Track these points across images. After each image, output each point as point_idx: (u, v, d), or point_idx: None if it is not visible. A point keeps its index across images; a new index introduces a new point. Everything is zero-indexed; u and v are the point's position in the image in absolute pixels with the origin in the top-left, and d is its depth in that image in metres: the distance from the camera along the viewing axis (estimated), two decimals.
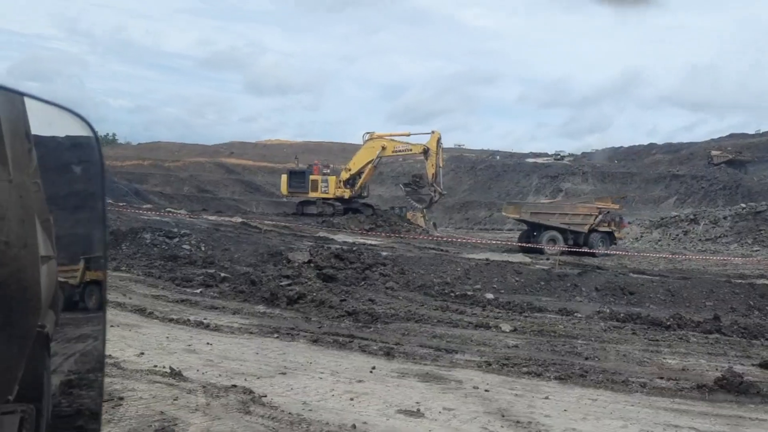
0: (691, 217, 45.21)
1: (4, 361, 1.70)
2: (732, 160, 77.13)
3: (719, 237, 40.48)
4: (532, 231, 36.12)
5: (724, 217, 42.66)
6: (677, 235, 42.52)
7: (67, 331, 2.34)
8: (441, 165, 44.07)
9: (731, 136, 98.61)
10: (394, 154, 46.75)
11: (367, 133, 46.48)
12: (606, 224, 34.74)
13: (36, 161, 1.96)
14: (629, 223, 39.56)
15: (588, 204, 38.22)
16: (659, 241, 42.18)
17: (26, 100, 1.94)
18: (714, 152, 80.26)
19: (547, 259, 28.38)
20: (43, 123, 2.03)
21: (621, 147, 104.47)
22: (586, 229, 34.48)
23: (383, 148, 45.11)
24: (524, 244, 35.08)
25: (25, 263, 1.73)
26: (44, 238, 1.95)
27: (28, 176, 1.88)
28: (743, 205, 46.03)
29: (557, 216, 35.74)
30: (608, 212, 35.54)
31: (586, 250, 32.76)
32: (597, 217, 34.75)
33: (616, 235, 34.83)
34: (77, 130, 2.15)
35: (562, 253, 32.08)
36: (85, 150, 2.27)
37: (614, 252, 33.08)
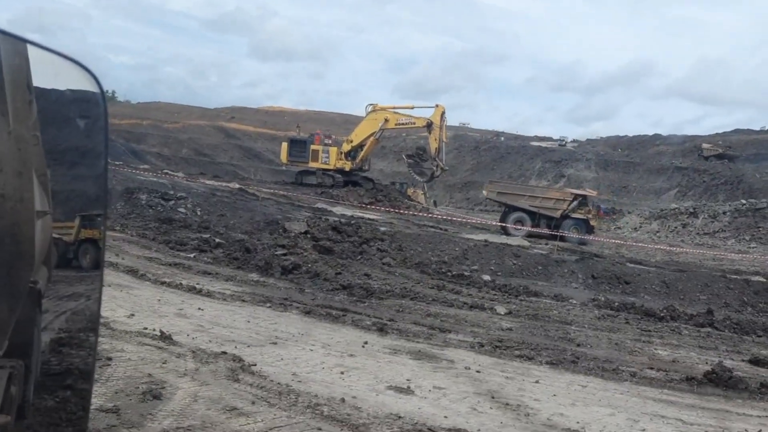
0: (691, 210, 45.15)
1: None
2: (722, 154, 78.72)
3: (717, 232, 40.51)
4: (509, 212, 36.34)
5: (724, 213, 42.65)
6: (676, 227, 42.53)
7: (60, 289, 2.29)
8: (444, 140, 43.63)
9: (736, 131, 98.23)
10: (397, 126, 46.33)
11: (370, 104, 46.07)
12: (581, 212, 34.60)
13: (36, 113, 1.91)
14: (606, 212, 39.42)
15: (561, 189, 38.25)
16: (658, 232, 42.21)
17: (29, 48, 1.88)
18: (705, 145, 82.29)
19: (546, 244, 28.37)
20: (47, 73, 1.97)
21: (626, 136, 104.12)
22: (558, 214, 34.44)
23: (386, 121, 44.72)
24: (501, 224, 35.37)
25: (20, 217, 1.71)
26: (41, 192, 1.91)
27: (28, 128, 1.83)
28: (743, 201, 45.96)
29: (526, 198, 35.84)
30: (584, 199, 35.45)
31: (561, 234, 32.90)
32: (570, 203, 34.66)
33: (592, 223, 34.52)
34: (82, 83, 2.07)
35: (530, 234, 32.29)
36: (89, 105, 2.20)
37: (589, 238, 32.96)
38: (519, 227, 34.24)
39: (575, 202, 34.67)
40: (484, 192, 40.11)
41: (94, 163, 2.31)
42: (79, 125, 2.27)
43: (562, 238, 31.94)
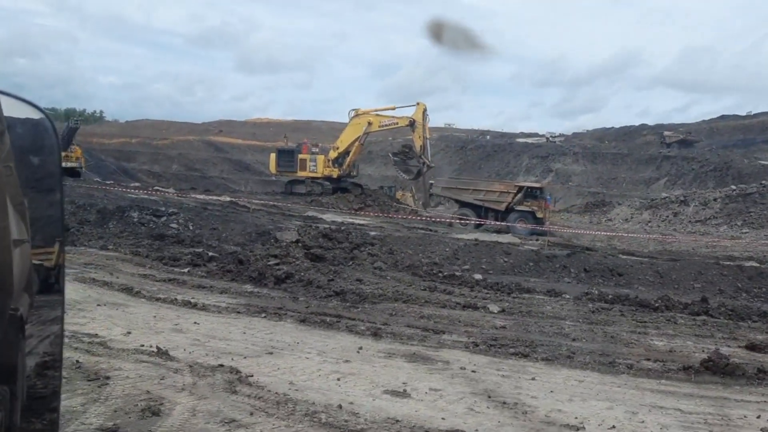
0: (681, 198, 45.33)
1: None
2: (683, 140, 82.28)
3: (709, 219, 40.64)
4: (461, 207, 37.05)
5: (714, 199, 42.80)
6: (667, 216, 42.66)
7: (43, 314, 2.30)
8: (428, 136, 43.91)
9: (722, 117, 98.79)
10: (381, 128, 46.54)
11: (353, 110, 46.41)
12: (528, 204, 34.72)
13: (8, 146, 1.94)
14: (554, 203, 39.80)
15: (506, 182, 38.81)
16: (649, 222, 42.34)
17: None
18: (666, 133, 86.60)
19: (536, 239, 28.45)
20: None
21: (612, 128, 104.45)
22: (502, 207, 34.73)
23: (369, 124, 45.01)
24: (449, 219, 36.25)
25: None
26: (17, 221, 1.92)
27: (0, 161, 1.84)
28: (733, 187, 46.16)
29: (470, 192, 36.44)
30: (534, 191, 35.66)
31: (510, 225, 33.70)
32: (515, 195, 34.82)
33: (538, 215, 34.60)
34: (35, 119, 2.15)
35: (476, 226, 33.05)
36: (41, 134, 2.25)
37: (538, 228, 33.15)
38: (466, 221, 34.94)
39: (520, 195, 34.86)
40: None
41: (52, 187, 2.34)
42: (34, 158, 2.32)
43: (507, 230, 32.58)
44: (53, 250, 2.30)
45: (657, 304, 15.07)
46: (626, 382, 9.09)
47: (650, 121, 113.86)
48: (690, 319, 14.06)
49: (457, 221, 35.12)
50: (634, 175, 73.24)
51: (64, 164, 48.81)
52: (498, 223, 34.03)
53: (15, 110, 2.10)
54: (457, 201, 37.60)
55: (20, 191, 2.00)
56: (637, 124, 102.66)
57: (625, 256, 22.30)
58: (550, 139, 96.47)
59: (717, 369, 9.60)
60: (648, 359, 10.34)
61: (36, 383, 2.22)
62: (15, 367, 1.99)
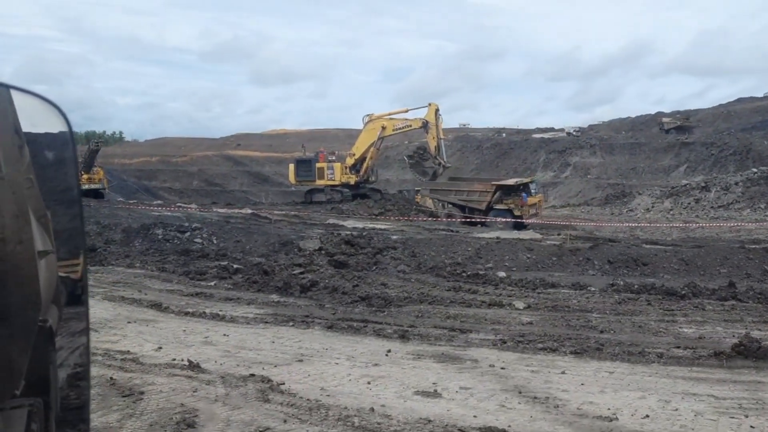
0: (702, 184, 44.94)
1: (5, 357, 1.71)
2: (680, 126, 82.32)
3: (731, 203, 40.26)
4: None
5: (736, 183, 42.40)
6: (689, 203, 42.31)
7: (72, 325, 2.36)
8: (442, 136, 43.89)
9: (739, 100, 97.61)
10: (395, 132, 46.65)
11: (366, 115, 46.61)
12: (506, 202, 34.91)
13: (28, 157, 1.96)
14: (542, 197, 39.87)
15: (485, 182, 39.27)
16: (671, 210, 42.01)
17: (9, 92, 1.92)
18: (664, 119, 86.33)
19: (559, 234, 28.33)
20: (23, 114, 1.99)
21: (628, 117, 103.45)
22: (483, 206, 35.19)
23: (383, 128, 45.20)
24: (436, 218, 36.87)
25: (21, 259, 1.73)
26: (41, 233, 1.95)
27: (21, 172, 1.88)
28: (754, 170, 45.69)
29: (454, 193, 37.48)
30: (506, 189, 35.73)
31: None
32: (493, 195, 35.07)
33: (516, 212, 34.49)
34: (53, 121, 2.13)
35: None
36: (60, 142, 2.27)
37: (520, 222, 33.21)
38: (454, 219, 35.61)
39: (498, 193, 35.14)
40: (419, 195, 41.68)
41: (71, 197, 2.38)
42: (53, 163, 2.31)
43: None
44: (78, 261, 2.34)
45: (684, 292, 14.96)
46: (657, 371, 9.05)
47: (667, 109, 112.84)
48: (718, 305, 13.92)
49: (444, 220, 35.92)
50: (653, 163, 72.45)
51: (87, 186, 48.71)
52: (481, 218, 34.78)
53: (31, 108, 2.06)
54: (444, 201, 38.32)
55: (42, 203, 2.02)
56: (653, 112, 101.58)
57: (648, 246, 22.14)
58: (573, 133, 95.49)
59: (749, 353, 9.52)
60: (678, 347, 10.28)
61: (69, 394, 2.27)
62: (47, 378, 2.03)
